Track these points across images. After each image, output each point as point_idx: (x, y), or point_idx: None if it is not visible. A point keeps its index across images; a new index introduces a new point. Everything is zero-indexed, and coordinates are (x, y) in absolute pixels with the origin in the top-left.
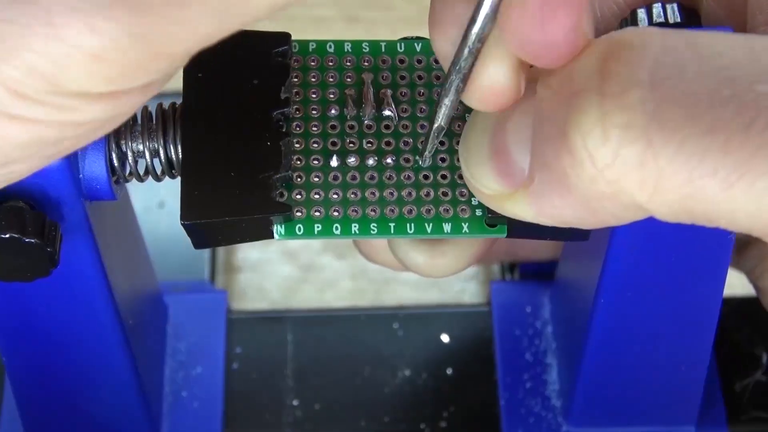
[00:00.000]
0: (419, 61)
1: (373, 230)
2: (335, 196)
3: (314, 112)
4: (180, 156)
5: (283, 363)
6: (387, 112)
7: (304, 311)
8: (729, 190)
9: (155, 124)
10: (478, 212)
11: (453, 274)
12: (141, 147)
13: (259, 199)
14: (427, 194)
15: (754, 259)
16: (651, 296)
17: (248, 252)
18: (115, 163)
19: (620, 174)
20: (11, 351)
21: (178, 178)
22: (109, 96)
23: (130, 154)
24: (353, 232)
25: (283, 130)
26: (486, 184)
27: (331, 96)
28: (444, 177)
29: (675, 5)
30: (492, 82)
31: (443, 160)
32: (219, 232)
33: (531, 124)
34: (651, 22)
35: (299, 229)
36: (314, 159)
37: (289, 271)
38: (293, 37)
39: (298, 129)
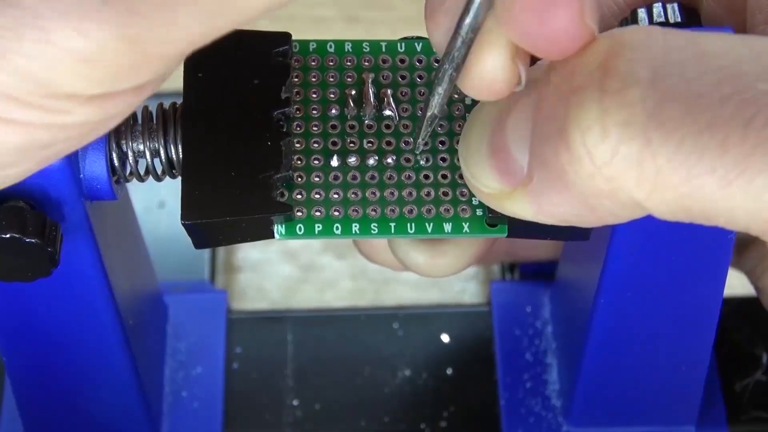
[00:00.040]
0: (420, 61)
1: (374, 230)
2: (336, 196)
3: (315, 111)
4: (180, 156)
5: (283, 363)
6: (387, 112)
7: (304, 311)
8: (727, 188)
9: (156, 124)
10: (479, 212)
11: (453, 274)
12: (141, 147)
13: (259, 199)
14: (428, 194)
15: (755, 259)
16: (651, 296)
17: (248, 252)
18: (116, 162)
19: (619, 171)
20: (11, 351)
21: (179, 178)
22: (102, 98)
23: (130, 153)
24: (354, 232)
25: (284, 129)
26: (485, 182)
27: (332, 96)
28: (444, 177)
29: (675, 5)
30: (489, 71)
31: (443, 160)
32: (219, 232)
33: (530, 122)
34: (651, 22)
35: (300, 229)
36: (315, 159)
37: (289, 271)
38: (294, 37)
39: (298, 129)
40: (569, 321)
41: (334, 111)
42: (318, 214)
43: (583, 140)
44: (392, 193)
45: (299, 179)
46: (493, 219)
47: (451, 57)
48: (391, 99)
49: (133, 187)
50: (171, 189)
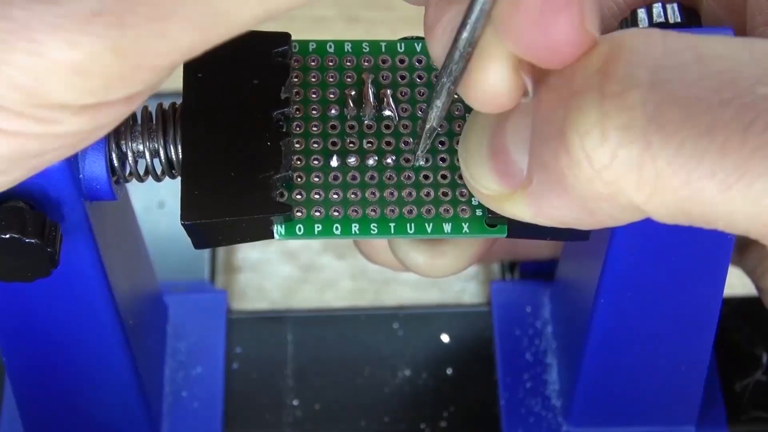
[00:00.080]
0: (419, 61)
1: (374, 230)
2: (335, 196)
3: (314, 112)
4: (180, 156)
5: (283, 363)
6: (387, 112)
7: (304, 311)
8: (727, 192)
9: (155, 124)
10: (479, 212)
11: (453, 274)
12: (141, 147)
13: (259, 199)
14: (428, 194)
15: (755, 260)
16: (651, 296)
17: (248, 252)
18: (115, 163)
19: (618, 175)
20: (11, 351)
21: (178, 178)
22: (92, 108)
23: (130, 154)
24: (353, 232)
25: (284, 130)
26: (485, 184)
27: (332, 96)
28: (444, 177)
29: (675, 5)
30: (491, 84)
31: (443, 160)
32: (219, 232)
33: (530, 125)
34: (651, 23)
35: (299, 229)
36: (314, 159)
37: (289, 271)
38: (293, 37)
39: (298, 129)
40: (569, 321)
41: (333, 111)
42: (318, 214)
43: (582, 144)
44: (392, 194)
45: (299, 179)
46: (492, 219)
47: (449, 71)
48: (391, 99)
49: (133, 188)
50: (171, 189)
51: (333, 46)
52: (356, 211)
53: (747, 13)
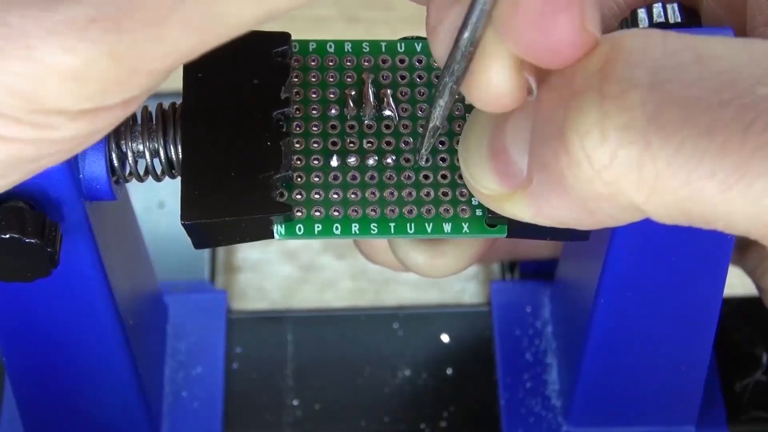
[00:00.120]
0: (419, 61)
1: (374, 230)
2: (335, 196)
3: (314, 111)
4: (180, 156)
5: (283, 363)
6: (387, 112)
7: (304, 311)
8: (727, 192)
9: (155, 124)
10: (479, 212)
11: (453, 274)
12: (141, 147)
13: (259, 199)
14: (428, 194)
15: (755, 260)
16: (651, 296)
17: (248, 252)
18: (115, 163)
19: (618, 175)
20: (11, 351)
21: (178, 178)
22: (89, 113)
23: (130, 154)
24: (353, 232)
25: (284, 130)
26: (485, 184)
27: (332, 96)
28: (444, 177)
29: (675, 5)
30: (494, 84)
31: (443, 160)
32: (219, 232)
33: (530, 125)
34: (651, 23)
35: (299, 229)
36: (314, 159)
37: (289, 271)
38: (293, 37)
39: (298, 129)
40: (569, 321)
41: (333, 111)
42: (317, 214)
43: (582, 144)
44: (392, 194)
45: (299, 179)
46: (492, 219)
47: (451, 70)
48: (391, 99)
49: (133, 188)
50: (171, 189)
51: (333, 46)
52: (356, 211)
53: (747, 13)
